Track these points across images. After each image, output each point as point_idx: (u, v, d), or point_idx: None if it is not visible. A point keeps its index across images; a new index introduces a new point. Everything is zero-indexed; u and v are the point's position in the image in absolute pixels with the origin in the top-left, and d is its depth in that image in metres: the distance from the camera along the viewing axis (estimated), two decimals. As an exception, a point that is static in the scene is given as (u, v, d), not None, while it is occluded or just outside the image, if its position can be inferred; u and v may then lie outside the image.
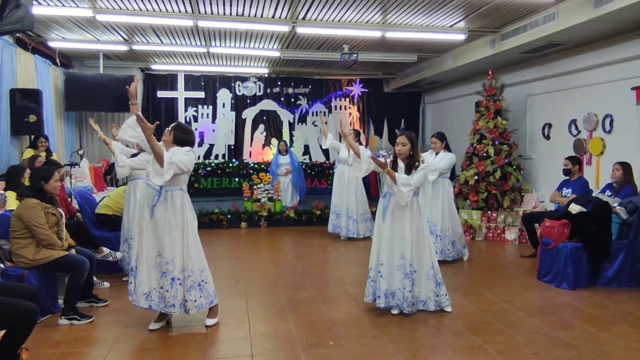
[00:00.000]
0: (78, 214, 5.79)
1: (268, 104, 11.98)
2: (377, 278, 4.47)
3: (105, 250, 5.27)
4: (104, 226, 6.03)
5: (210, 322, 4.24)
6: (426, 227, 4.61)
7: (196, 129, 11.56)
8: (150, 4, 6.49)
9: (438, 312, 4.53)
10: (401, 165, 4.45)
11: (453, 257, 6.46)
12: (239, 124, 11.85)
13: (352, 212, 7.93)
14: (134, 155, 5.34)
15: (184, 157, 3.96)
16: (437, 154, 6.46)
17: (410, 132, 4.66)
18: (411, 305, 4.43)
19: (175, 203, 4.01)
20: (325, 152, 12.16)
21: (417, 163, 4.43)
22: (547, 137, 8.27)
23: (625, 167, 5.81)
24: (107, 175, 8.78)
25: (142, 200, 4.13)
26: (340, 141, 8.30)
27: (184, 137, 4.10)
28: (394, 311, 4.47)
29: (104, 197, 6.42)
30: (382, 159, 4.37)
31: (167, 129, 4.14)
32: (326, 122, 8.49)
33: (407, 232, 4.40)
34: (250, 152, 11.89)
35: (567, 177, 6.55)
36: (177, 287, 4.01)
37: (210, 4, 6.52)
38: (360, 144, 8.35)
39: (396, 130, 5.30)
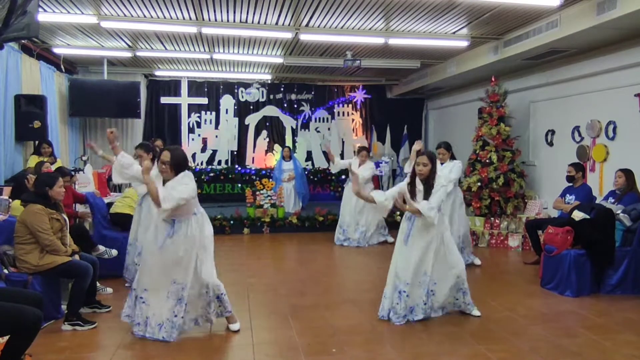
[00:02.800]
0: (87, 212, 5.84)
1: (271, 110, 12.00)
2: (402, 298, 4.42)
3: (101, 248, 5.29)
4: (117, 226, 6.09)
5: (236, 326, 4.27)
6: (451, 238, 4.60)
7: (199, 135, 11.60)
8: (155, 11, 6.53)
9: (442, 320, 4.52)
10: (419, 186, 4.40)
11: (468, 260, 6.47)
12: (242, 130, 11.87)
13: (363, 227, 8.00)
14: None
15: (183, 188, 3.92)
16: (442, 163, 6.44)
17: (431, 152, 4.64)
18: (424, 313, 4.45)
19: (189, 231, 4.05)
20: (328, 159, 12.11)
21: (434, 181, 4.40)
22: (550, 144, 8.26)
23: (628, 174, 5.80)
24: (111, 181, 8.79)
25: (147, 223, 4.11)
26: (342, 157, 8.34)
27: (179, 162, 4.03)
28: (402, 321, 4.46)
29: (114, 199, 6.49)
30: (398, 198, 4.38)
31: (160, 162, 4.01)
32: (330, 149, 8.51)
33: (433, 250, 4.41)
34: (253, 158, 11.90)
35: (571, 184, 6.54)
36: (195, 307, 4.12)
37: (214, 11, 6.55)
38: (370, 157, 8.45)
39: (416, 147, 5.12)
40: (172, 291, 4.02)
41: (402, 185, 4.56)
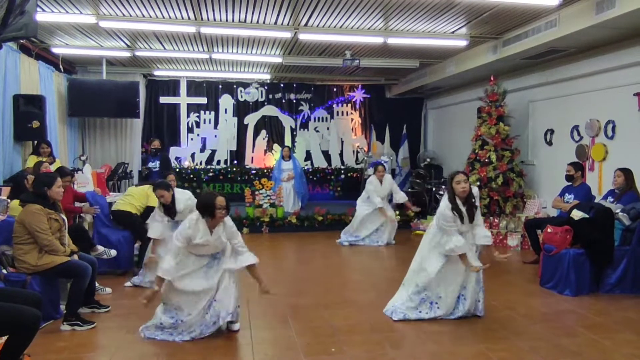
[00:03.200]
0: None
1: (270, 110, 11.99)
2: (433, 308, 4.48)
3: (100, 248, 5.30)
4: (119, 225, 6.10)
5: (237, 326, 4.28)
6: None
7: (198, 135, 11.59)
8: (153, 10, 6.52)
9: (441, 319, 4.52)
10: (461, 206, 4.34)
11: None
12: (241, 129, 11.85)
13: (383, 241, 8.11)
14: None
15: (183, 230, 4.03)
16: None
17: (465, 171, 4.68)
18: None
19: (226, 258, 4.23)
20: (327, 158, 12.16)
21: (474, 199, 4.41)
22: (550, 143, 8.26)
23: (627, 173, 5.80)
24: (110, 181, 8.80)
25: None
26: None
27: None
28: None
29: (115, 199, 6.53)
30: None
31: (220, 209, 4.01)
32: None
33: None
34: (252, 157, 11.89)
35: (570, 183, 6.54)
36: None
37: (213, 11, 6.54)
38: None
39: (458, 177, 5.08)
40: (209, 305, 4.11)
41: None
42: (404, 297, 4.60)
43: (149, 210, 5.90)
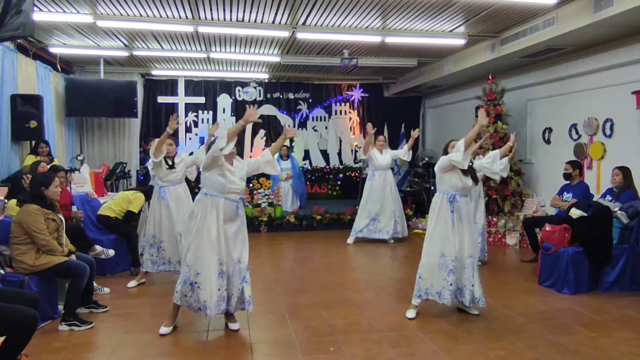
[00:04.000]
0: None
1: (268, 109, 11.97)
2: (450, 275, 4.45)
3: (98, 248, 5.31)
4: (105, 228, 6.18)
5: (236, 325, 4.28)
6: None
7: (196, 134, 11.59)
8: (151, 10, 6.51)
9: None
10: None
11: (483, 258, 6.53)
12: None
13: (397, 215, 8.09)
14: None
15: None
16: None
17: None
18: (470, 296, 4.53)
19: (244, 209, 4.22)
20: (326, 157, 12.15)
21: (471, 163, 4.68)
22: (548, 142, 8.27)
23: (625, 172, 5.81)
24: (108, 181, 8.78)
25: (203, 215, 4.06)
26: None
27: None
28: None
29: (105, 201, 6.56)
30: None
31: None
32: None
33: (471, 231, 4.56)
34: (251, 157, 11.87)
35: (568, 182, 6.55)
36: (242, 285, 4.17)
37: (211, 10, 6.53)
38: None
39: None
40: (237, 269, 4.11)
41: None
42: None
43: (129, 214, 6.18)
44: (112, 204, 6.22)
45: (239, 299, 4.16)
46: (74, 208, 5.99)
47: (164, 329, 4.15)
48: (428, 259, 4.57)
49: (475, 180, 4.73)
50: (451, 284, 4.44)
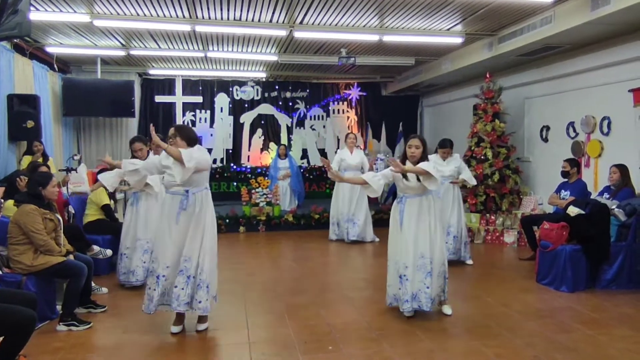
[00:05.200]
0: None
1: (266, 108, 11.97)
2: (403, 282, 4.38)
3: (96, 248, 5.29)
4: (98, 232, 6.03)
5: (202, 327, 4.23)
6: (440, 223, 4.61)
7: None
8: (148, 9, 6.49)
9: (437, 316, 4.52)
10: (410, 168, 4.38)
11: (465, 258, 6.51)
12: (237, 128, 11.84)
13: (357, 218, 7.98)
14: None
15: (198, 154, 4.04)
16: (444, 159, 6.45)
17: (422, 136, 4.65)
18: (430, 303, 4.39)
19: (202, 203, 4.11)
20: (324, 156, 12.12)
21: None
22: (545, 140, 8.28)
23: (622, 170, 5.82)
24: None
25: (161, 212, 4.14)
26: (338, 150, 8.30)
27: (190, 135, 4.18)
28: (409, 313, 4.43)
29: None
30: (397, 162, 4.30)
31: (170, 138, 4.12)
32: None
33: (427, 231, 4.41)
34: (249, 156, 11.88)
35: (566, 180, 6.55)
36: (191, 286, 4.09)
37: (208, 9, 6.53)
38: (366, 154, 8.45)
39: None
40: (179, 261, 4.07)
41: (388, 171, 4.53)
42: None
43: (107, 208, 6.06)
44: (88, 210, 6.11)
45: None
46: (71, 209, 5.97)
47: (175, 328, 4.17)
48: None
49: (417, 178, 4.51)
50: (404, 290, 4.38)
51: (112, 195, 6.39)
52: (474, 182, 6.58)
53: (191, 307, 4.12)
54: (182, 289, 4.05)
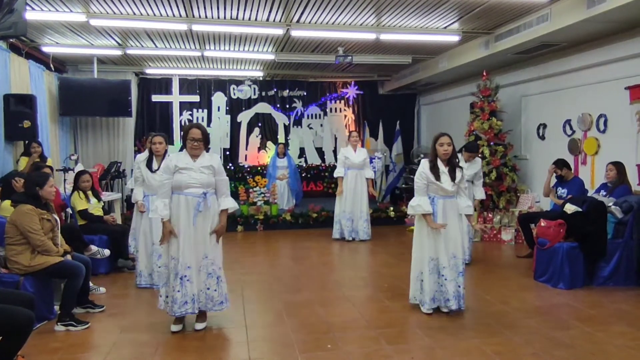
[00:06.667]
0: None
1: (263, 107, 11.97)
2: (443, 282, 4.48)
3: (94, 248, 5.29)
4: (94, 235, 6.01)
5: (200, 326, 4.23)
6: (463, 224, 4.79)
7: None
8: (144, 8, 6.48)
9: (436, 314, 4.53)
10: (442, 167, 4.46)
11: (469, 259, 6.50)
12: (234, 127, 11.83)
13: (359, 218, 8.05)
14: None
15: (224, 173, 4.27)
16: (467, 161, 6.41)
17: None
18: (456, 299, 4.50)
19: (213, 202, 4.19)
20: (321, 155, 12.17)
21: (457, 160, 4.57)
22: (542, 138, 8.30)
23: (619, 167, 5.83)
24: (103, 180, 8.75)
25: (174, 213, 4.11)
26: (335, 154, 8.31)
27: (209, 140, 4.30)
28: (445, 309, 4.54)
29: (108, 198, 6.50)
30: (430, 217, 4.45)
31: (194, 142, 4.10)
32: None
33: (457, 232, 4.53)
34: (246, 155, 11.87)
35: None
36: (222, 285, 4.22)
37: (204, 8, 6.51)
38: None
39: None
40: (204, 265, 4.13)
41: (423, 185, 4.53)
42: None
43: (81, 213, 6.00)
44: (78, 216, 6.08)
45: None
46: (69, 209, 5.96)
47: (175, 327, 4.17)
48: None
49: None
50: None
51: (98, 196, 6.39)
52: (483, 196, 6.50)
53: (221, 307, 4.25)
54: (215, 290, 4.16)
